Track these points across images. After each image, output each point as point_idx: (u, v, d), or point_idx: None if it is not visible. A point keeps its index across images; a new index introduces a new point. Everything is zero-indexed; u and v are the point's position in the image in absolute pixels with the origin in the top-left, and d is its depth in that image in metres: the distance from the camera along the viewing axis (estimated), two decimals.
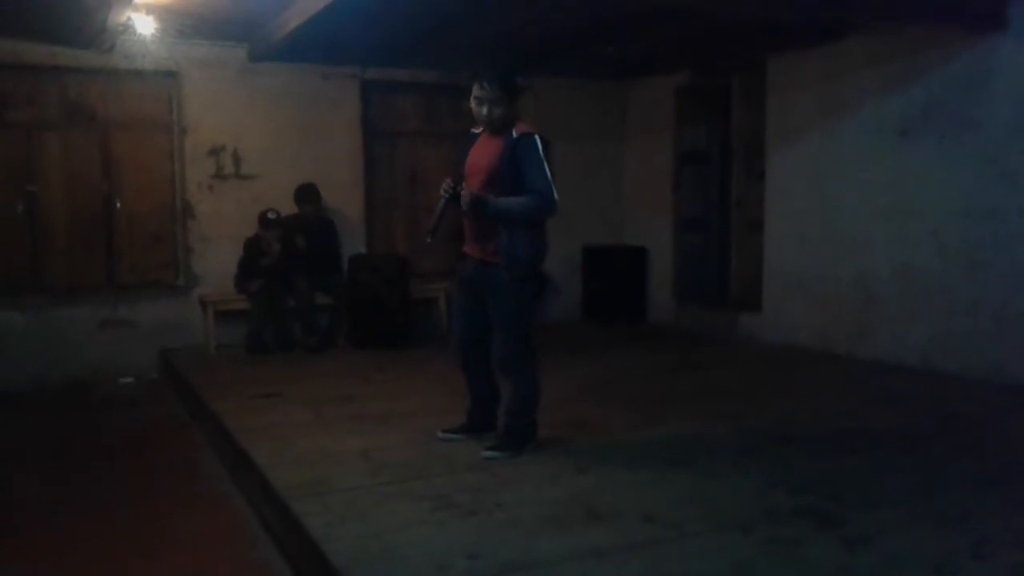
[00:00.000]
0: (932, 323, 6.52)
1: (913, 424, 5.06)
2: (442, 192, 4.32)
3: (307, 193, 7.95)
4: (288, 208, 7.89)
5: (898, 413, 5.33)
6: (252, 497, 4.36)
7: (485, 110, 4.32)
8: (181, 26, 6.88)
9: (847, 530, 3.35)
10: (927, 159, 6.53)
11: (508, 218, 4.26)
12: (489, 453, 4.36)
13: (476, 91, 4.33)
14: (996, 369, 6.04)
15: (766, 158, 7.97)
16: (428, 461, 4.31)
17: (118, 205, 7.84)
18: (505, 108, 4.31)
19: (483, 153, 4.39)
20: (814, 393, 5.93)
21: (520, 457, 4.35)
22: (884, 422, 5.09)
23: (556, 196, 4.28)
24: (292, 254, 7.70)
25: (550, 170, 4.32)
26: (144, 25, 6.50)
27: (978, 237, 6.20)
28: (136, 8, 6.13)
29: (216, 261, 7.96)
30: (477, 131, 4.50)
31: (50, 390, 7.24)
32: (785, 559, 3.13)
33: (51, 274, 7.65)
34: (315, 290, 7.84)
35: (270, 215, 7.66)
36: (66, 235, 7.68)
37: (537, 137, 4.30)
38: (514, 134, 4.28)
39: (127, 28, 6.58)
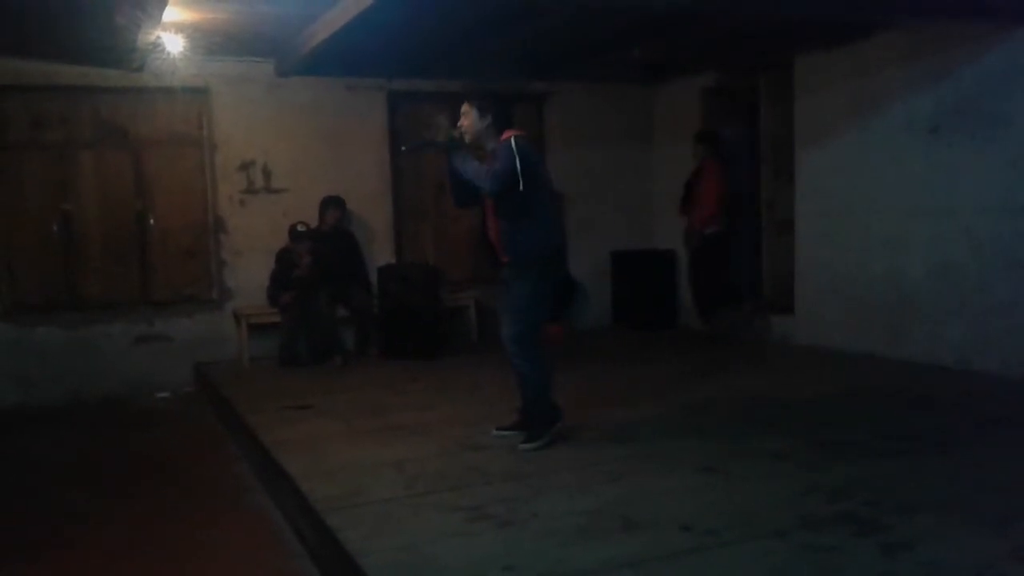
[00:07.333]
0: (968, 322, 6.42)
1: (951, 426, 4.99)
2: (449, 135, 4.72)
3: (332, 201, 8.01)
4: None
5: (935, 415, 5.26)
6: (287, 509, 4.39)
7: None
8: (209, 43, 6.96)
9: (886, 536, 3.31)
10: (959, 156, 6.44)
11: (458, 169, 4.66)
12: (524, 446, 4.62)
13: None
14: None
15: (795, 158, 7.91)
16: (462, 472, 4.32)
17: (151, 221, 7.95)
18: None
19: None
20: (849, 396, 5.86)
21: (551, 445, 4.63)
22: (921, 425, 5.02)
23: (494, 183, 4.52)
24: (321, 266, 7.73)
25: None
26: (173, 43, 6.59)
27: (1014, 234, 6.09)
28: (165, 27, 6.21)
29: (248, 275, 8.03)
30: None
31: (87, 405, 7.34)
32: (823, 566, 3.09)
33: (87, 291, 7.77)
34: (336, 303, 7.86)
35: (299, 228, 7.72)
36: (101, 252, 7.80)
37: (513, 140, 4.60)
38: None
39: (156, 47, 6.66)
